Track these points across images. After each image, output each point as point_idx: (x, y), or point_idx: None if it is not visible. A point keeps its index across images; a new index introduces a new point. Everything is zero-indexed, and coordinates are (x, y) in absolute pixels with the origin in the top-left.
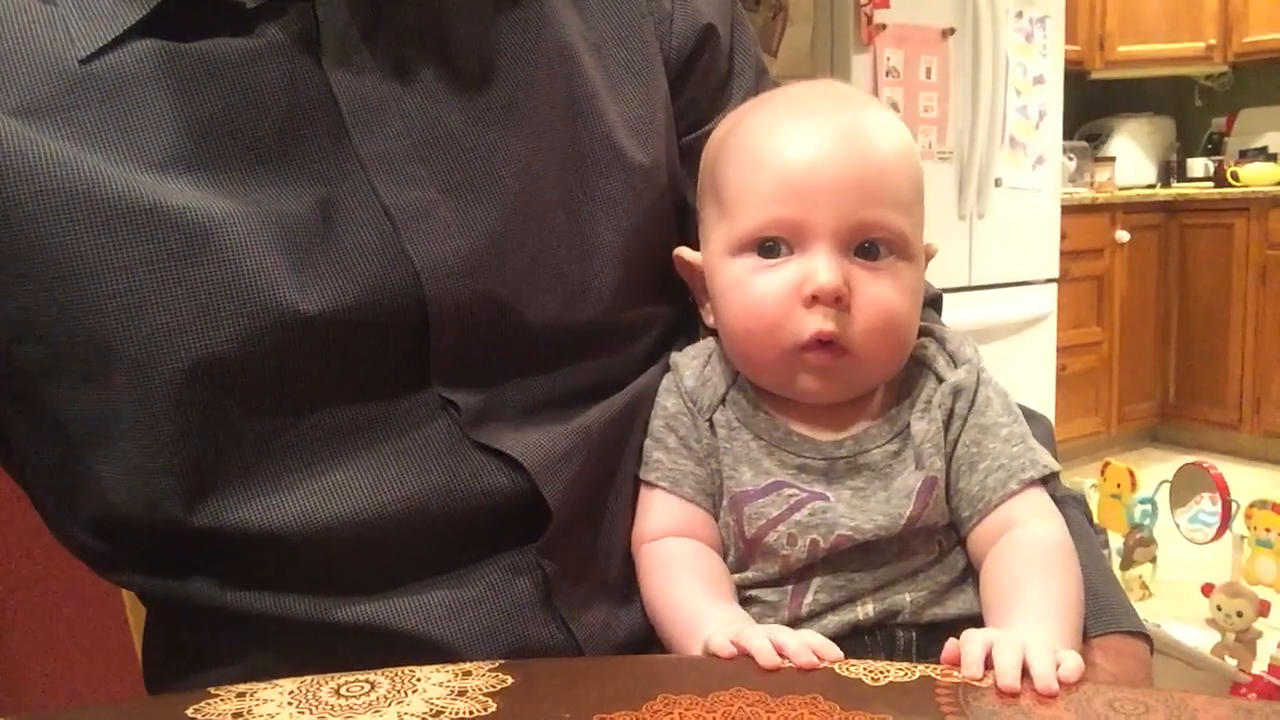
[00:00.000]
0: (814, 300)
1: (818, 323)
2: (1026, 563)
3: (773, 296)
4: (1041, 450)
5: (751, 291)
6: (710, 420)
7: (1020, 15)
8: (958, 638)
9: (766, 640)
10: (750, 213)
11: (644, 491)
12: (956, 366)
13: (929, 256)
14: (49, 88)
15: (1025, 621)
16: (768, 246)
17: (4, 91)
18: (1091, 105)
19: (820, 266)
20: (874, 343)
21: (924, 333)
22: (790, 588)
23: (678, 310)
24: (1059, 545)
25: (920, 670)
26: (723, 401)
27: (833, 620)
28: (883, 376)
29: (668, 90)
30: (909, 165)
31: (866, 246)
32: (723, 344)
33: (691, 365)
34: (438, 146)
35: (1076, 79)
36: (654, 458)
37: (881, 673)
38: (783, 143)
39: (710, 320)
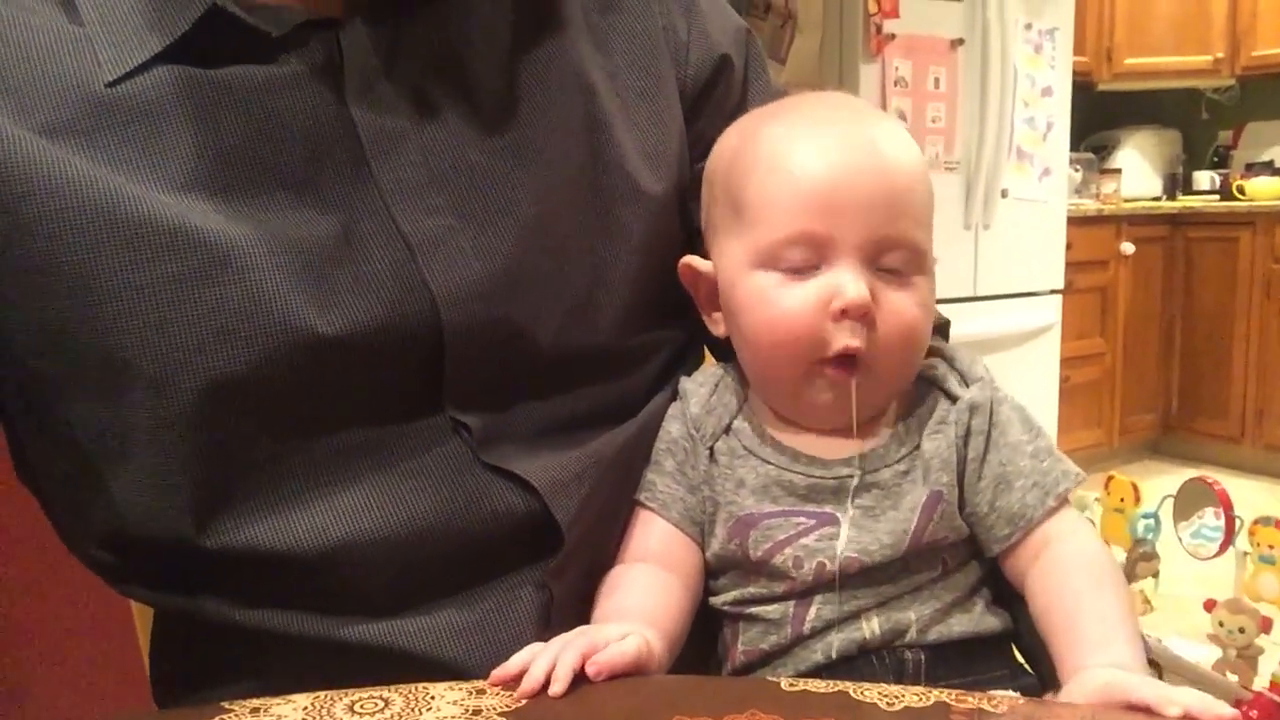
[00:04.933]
0: (843, 315)
1: (845, 337)
2: (1084, 576)
3: (799, 310)
4: (1064, 458)
5: (778, 306)
6: (711, 449)
7: (1029, 27)
8: (967, 659)
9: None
10: (776, 225)
11: (635, 511)
12: (968, 385)
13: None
14: (75, 109)
15: (1112, 642)
16: (793, 259)
17: (31, 111)
18: (1098, 117)
19: (848, 281)
20: (892, 357)
21: (932, 352)
22: (793, 604)
23: (685, 334)
24: (1106, 559)
25: (935, 695)
26: (727, 430)
27: (838, 639)
28: (893, 394)
29: (682, 118)
30: (926, 181)
31: (889, 260)
32: (739, 356)
33: (699, 393)
34: (456, 175)
35: (1084, 90)
36: (648, 479)
37: (896, 697)
38: (809, 156)
39: (719, 330)
